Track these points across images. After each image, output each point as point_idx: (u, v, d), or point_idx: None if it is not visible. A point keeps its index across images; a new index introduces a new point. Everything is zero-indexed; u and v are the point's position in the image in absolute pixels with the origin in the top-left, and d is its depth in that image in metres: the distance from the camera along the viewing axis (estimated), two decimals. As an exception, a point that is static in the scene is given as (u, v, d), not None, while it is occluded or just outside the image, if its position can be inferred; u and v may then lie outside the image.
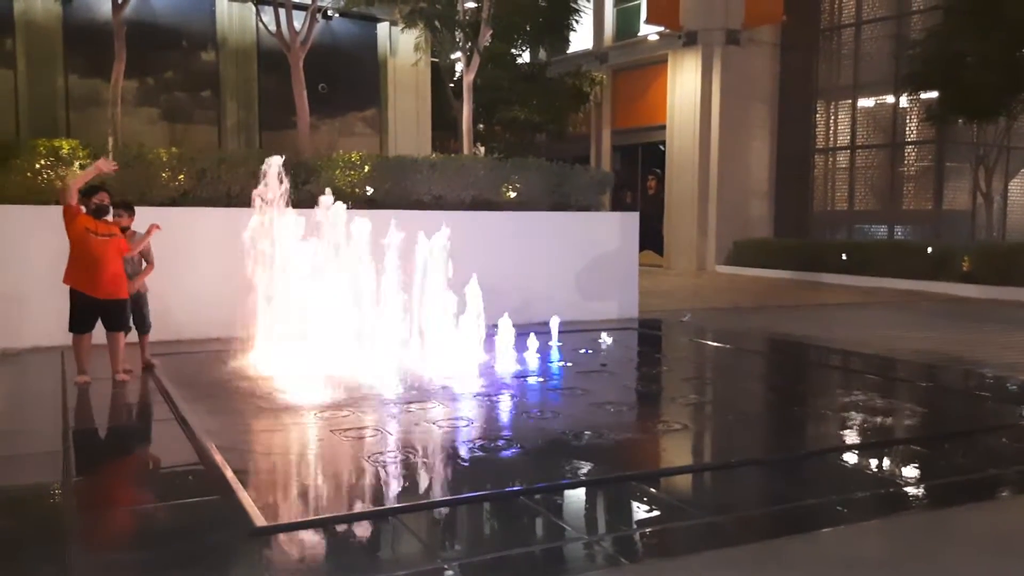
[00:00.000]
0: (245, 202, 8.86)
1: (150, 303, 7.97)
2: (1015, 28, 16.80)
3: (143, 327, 7.92)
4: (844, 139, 22.89)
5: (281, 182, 8.20)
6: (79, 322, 7.23)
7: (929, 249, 17.86)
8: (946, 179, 21.15)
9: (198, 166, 10.21)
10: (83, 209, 7.14)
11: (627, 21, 24.57)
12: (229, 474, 4.72)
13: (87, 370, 7.26)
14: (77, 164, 9.57)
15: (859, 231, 22.68)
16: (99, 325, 7.32)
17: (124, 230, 7.53)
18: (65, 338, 7.55)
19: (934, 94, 18.91)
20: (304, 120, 13.61)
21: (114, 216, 7.49)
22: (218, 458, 5.01)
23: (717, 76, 21.92)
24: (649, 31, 23.20)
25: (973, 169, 20.08)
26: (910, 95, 20.54)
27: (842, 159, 23.02)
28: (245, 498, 4.35)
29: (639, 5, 23.44)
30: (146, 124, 16.02)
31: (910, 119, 21.60)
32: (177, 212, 9.76)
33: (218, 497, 4.47)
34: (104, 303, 7.19)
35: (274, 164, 8.19)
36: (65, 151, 9.63)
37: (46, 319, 8.70)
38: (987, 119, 18.53)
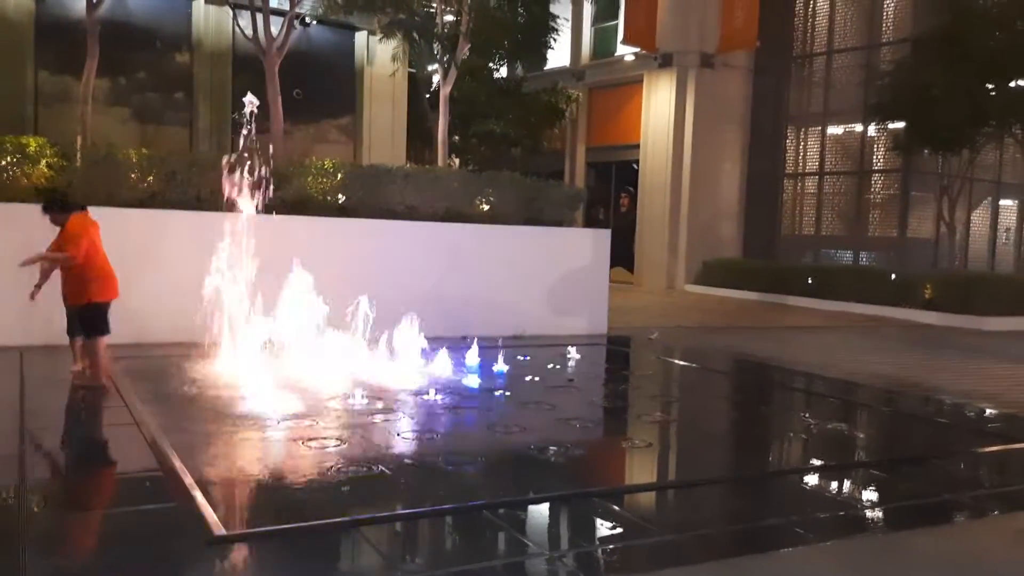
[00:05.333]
0: (215, 206, 8.79)
1: (116, 303, 7.87)
2: (978, 63, 17.20)
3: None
4: (813, 165, 23.21)
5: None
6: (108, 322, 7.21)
7: (893, 276, 18.13)
8: (911, 208, 21.51)
9: (168, 168, 10.11)
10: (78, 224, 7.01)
11: (604, 41, 24.77)
12: (188, 481, 4.66)
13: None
14: (44, 162, 9.45)
15: (825, 255, 22.98)
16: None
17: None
18: (25, 338, 7.43)
19: (901, 124, 19.27)
20: (278, 126, 13.55)
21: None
22: (177, 464, 4.95)
23: (691, 98, 22.15)
24: (625, 51, 23.39)
25: (937, 199, 20.44)
26: (878, 124, 20.89)
27: (810, 184, 23.34)
28: (204, 506, 4.30)
29: (616, 25, 23.67)
30: (116, 123, 15.85)
31: (877, 148, 21.97)
32: (144, 214, 9.66)
33: (176, 504, 4.42)
34: None
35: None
36: (32, 148, 9.49)
37: (5, 318, 8.57)
38: (952, 151, 18.91)
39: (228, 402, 6.74)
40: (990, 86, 18.00)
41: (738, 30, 21.92)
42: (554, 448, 5.85)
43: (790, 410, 8.24)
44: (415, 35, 16.04)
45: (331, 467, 5.20)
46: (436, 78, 18.45)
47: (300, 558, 3.88)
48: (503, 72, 24.28)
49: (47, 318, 7.85)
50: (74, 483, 5.14)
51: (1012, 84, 18.09)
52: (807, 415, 7.73)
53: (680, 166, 22.30)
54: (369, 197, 11.12)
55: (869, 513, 4.94)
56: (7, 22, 15.08)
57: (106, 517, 4.50)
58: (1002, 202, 23.72)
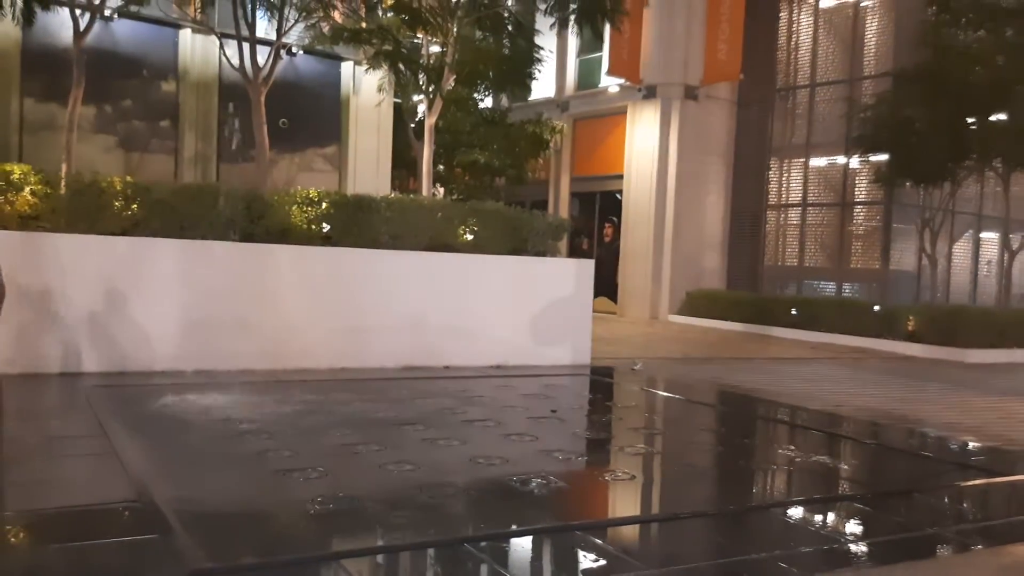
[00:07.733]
0: (198, 234, 8.76)
1: (99, 331, 7.82)
2: (959, 98, 17.46)
3: None
4: (796, 196, 23.41)
5: None
6: None
7: (876, 307, 18.24)
8: (893, 240, 21.69)
9: (153, 196, 10.06)
10: None
11: (588, 72, 24.99)
12: (167, 512, 4.60)
13: None
14: (27, 190, 9.40)
15: (808, 287, 23.10)
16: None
17: None
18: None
19: (883, 157, 19.48)
20: (264, 155, 13.56)
21: None
22: (156, 495, 4.88)
23: (675, 129, 22.34)
24: (610, 83, 23.60)
25: (919, 231, 20.63)
26: (860, 157, 21.13)
27: (793, 216, 23.52)
28: (184, 538, 4.23)
29: (601, 57, 23.90)
30: (101, 151, 15.83)
31: (860, 180, 22.18)
32: (127, 242, 9.60)
33: (156, 536, 4.36)
34: None
35: None
36: (16, 176, 9.44)
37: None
38: (933, 184, 19.12)
39: (210, 431, 6.67)
40: (971, 120, 18.26)
41: (722, 62, 22.19)
42: (537, 480, 5.81)
43: (774, 443, 8.23)
44: (401, 66, 16.14)
45: (313, 499, 5.14)
46: (421, 108, 18.54)
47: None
48: (488, 102, 24.43)
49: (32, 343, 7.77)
50: (46, 514, 5.05)
51: (992, 118, 18.35)
52: (791, 448, 7.72)
53: (664, 196, 22.44)
54: (354, 226, 11.11)
55: (853, 547, 4.92)
56: (-7, 51, 15.09)
57: (81, 549, 4.41)
58: (983, 235, 23.97)
